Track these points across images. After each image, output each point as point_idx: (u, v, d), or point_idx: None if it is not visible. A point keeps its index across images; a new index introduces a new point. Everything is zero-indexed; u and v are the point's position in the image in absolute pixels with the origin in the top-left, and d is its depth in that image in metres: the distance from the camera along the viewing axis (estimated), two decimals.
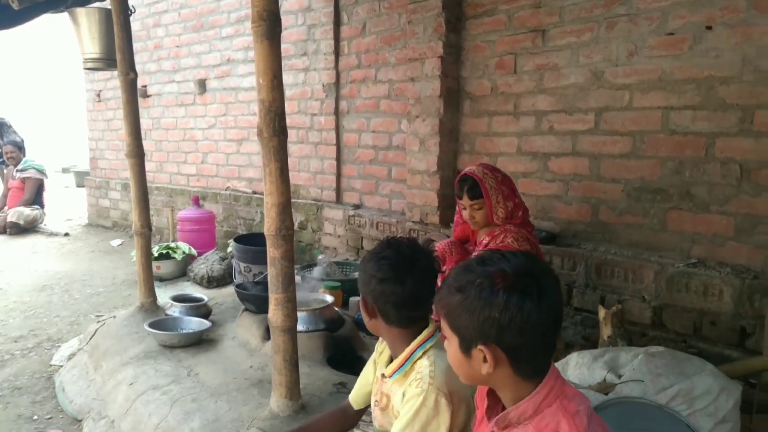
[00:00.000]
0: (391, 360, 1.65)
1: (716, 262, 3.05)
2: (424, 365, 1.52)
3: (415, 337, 1.58)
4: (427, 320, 1.62)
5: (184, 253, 5.21)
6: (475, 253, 2.92)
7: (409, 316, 1.58)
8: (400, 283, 1.53)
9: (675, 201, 3.20)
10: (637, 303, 3.22)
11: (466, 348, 1.12)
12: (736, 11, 2.91)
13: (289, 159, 2.41)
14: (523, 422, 1.10)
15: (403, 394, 1.52)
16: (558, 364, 2.28)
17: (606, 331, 2.61)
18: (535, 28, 3.71)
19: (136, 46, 3.90)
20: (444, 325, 1.17)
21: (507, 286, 1.05)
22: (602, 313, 2.64)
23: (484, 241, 2.88)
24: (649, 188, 3.29)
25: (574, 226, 3.66)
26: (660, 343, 2.79)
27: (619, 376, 2.11)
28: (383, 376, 1.64)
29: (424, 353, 1.55)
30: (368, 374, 1.77)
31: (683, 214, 3.18)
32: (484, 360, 1.10)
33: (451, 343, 1.16)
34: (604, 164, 3.47)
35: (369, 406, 1.77)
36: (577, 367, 2.26)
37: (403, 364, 1.56)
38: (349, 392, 1.92)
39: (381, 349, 1.72)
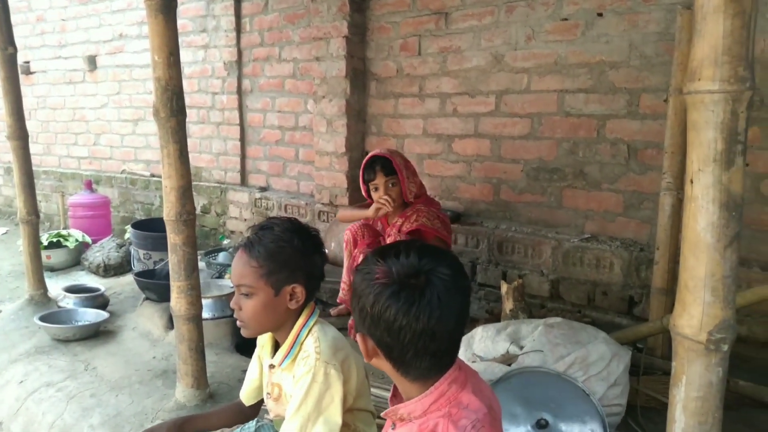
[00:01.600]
0: (276, 348, 1.62)
1: (607, 237, 3.25)
2: (309, 343, 1.51)
3: (298, 317, 1.55)
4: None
5: (77, 240, 4.90)
6: (388, 236, 2.95)
7: (311, 296, 1.58)
8: (320, 254, 1.56)
9: (570, 180, 3.37)
10: (536, 277, 3.38)
11: (358, 329, 1.11)
12: None
13: (189, 140, 2.33)
14: (413, 419, 1.10)
15: (294, 377, 1.51)
16: (464, 338, 2.36)
17: (508, 305, 2.72)
18: (437, 11, 3.75)
19: (14, 18, 3.57)
20: None
21: (383, 283, 1.03)
22: (504, 287, 2.74)
23: (398, 223, 2.93)
24: (546, 168, 3.45)
25: (477, 205, 3.77)
26: (557, 314, 2.95)
27: (521, 347, 2.21)
28: (272, 366, 1.61)
29: (308, 332, 1.53)
30: (254, 369, 1.74)
31: (577, 192, 3.36)
32: (365, 348, 1.10)
33: None
34: (504, 145, 3.59)
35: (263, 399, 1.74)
36: (482, 341, 2.34)
37: (291, 349, 1.54)
38: None
39: (263, 343, 1.68)
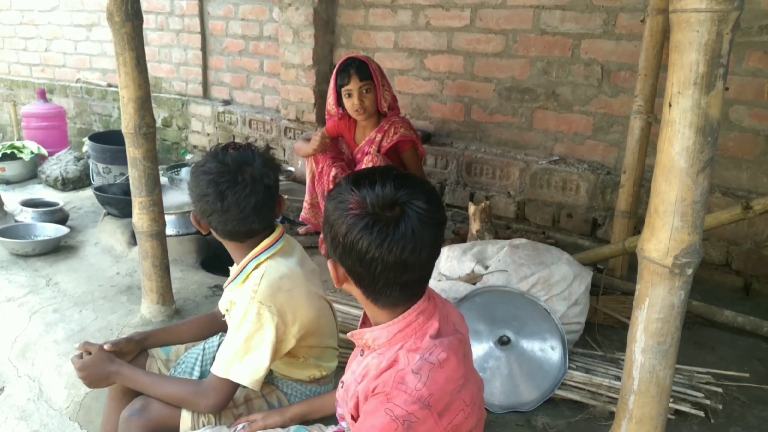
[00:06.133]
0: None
1: (575, 159, 3.25)
2: (253, 277, 1.48)
3: (254, 248, 1.52)
4: (272, 229, 1.55)
5: (32, 152, 4.70)
6: (363, 153, 2.87)
7: (237, 232, 1.48)
8: (220, 200, 1.42)
9: (542, 101, 3.33)
10: (503, 198, 3.40)
11: (329, 255, 1.10)
12: None
13: (147, 48, 2.21)
14: (378, 349, 1.10)
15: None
16: None
17: (475, 226, 2.73)
18: None
19: None
20: None
21: (356, 214, 1.00)
22: (472, 209, 2.75)
23: (377, 138, 2.84)
24: (518, 88, 3.39)
25: (448, 125, 3.71)
26: (522, 235, 2.99)
27: (486, 267, 2.24)
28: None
29: (257, 266, 1.50)
30: None
31: (548, 113, 3.32)
32: (336, 275, 1.09)
33: None
34: (478, 63, 3.50)
35: None
36: (448, 261, 2.37)
37: (237, 275, 1.53)
38: None
39: None
